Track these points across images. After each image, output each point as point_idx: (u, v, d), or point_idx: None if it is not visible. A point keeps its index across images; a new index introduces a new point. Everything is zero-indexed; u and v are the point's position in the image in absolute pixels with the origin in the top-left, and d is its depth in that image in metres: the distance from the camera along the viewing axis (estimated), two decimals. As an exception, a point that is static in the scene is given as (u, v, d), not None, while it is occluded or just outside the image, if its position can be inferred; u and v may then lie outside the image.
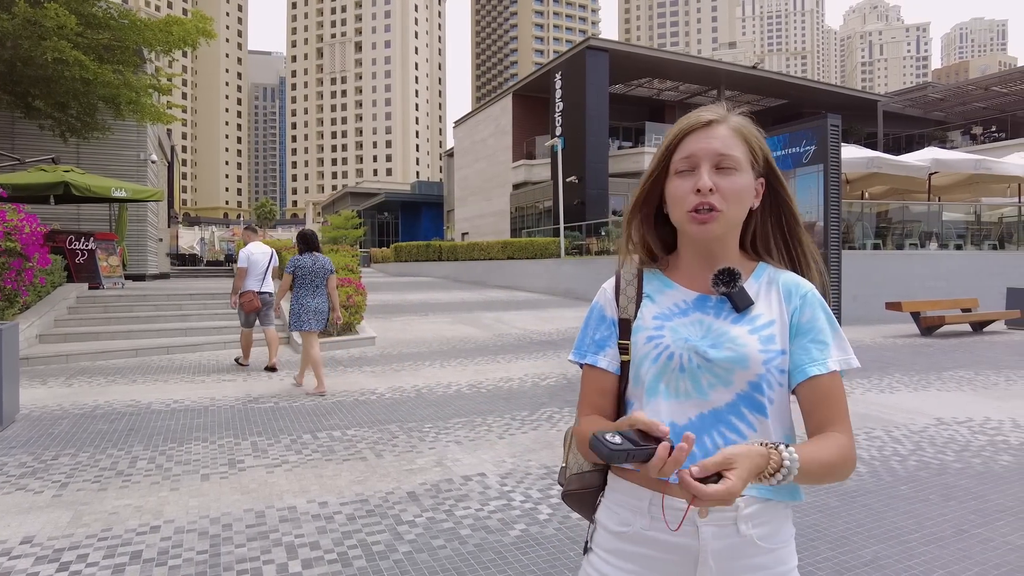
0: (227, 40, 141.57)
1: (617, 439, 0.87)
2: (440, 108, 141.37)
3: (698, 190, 1.06)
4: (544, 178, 31.04)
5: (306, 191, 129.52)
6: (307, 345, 6.42)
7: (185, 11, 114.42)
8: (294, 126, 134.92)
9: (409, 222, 56.71)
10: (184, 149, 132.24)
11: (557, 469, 3.81)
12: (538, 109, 33.00)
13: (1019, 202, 17.41)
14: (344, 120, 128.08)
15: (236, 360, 7.94)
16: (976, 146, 28.53)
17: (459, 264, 26.78)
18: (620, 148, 32.43)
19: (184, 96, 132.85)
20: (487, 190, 37.47)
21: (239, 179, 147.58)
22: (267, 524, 3.22)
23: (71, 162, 14.71)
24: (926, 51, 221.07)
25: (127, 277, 15.24)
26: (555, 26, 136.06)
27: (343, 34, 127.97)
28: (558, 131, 28.43)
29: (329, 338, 9.55)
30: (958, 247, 15.44)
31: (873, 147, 28.62)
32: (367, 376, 7.28)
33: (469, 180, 40.31)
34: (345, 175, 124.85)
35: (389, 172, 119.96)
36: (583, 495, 1.18)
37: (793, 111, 33.98)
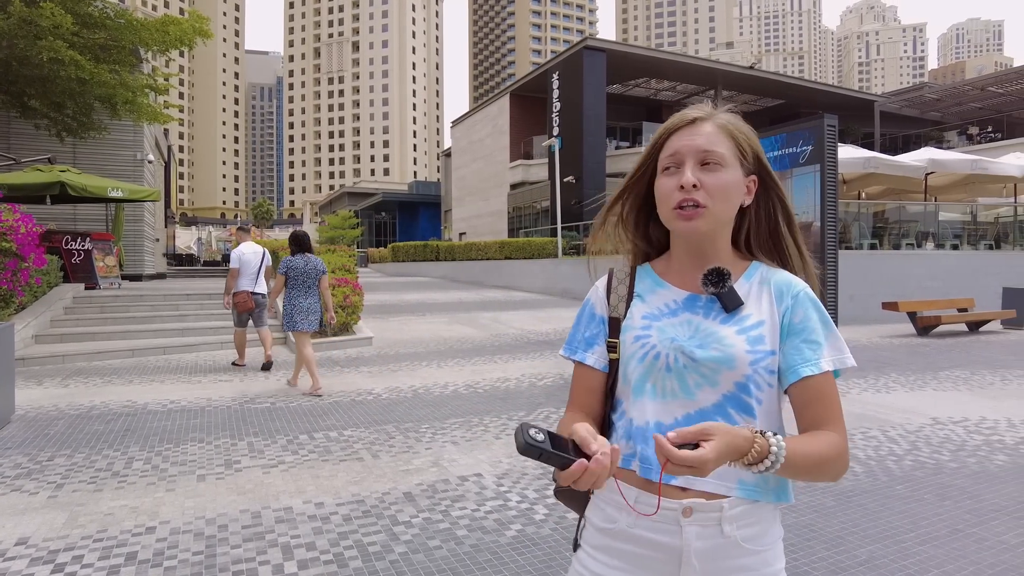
0: (224, 40, 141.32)
1: (540, 437, 0.85)
2: (437, 108, 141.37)
3: (682, 186, 1.06)
4: (541, 178, 31.04)
5: (303, 191, 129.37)
6: (300, 345, 6.43)
7: (182, 11, 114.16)
8: (291, 126, 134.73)
9: (406, 222, 56.70)
10: (181, 149, 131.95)
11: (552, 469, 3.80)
12: (535, 109, 33.00)
13: (1015, 202, 17.45)
14: (341, 120, 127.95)
15: (233, 363, 7.94)
16: (972, 146, 28.59)
17: (456, 264, 26.77)
18: (617, 148, 32.45)
19: (181, 96, 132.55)
20: (484, 190, 37.47)
21: (236, 179, 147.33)
22: (263, 525, 3.22)
23: (67, 162, 14.66)
24: (923, 51, 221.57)
25: (124, 277, 15.20)
26: (552, 26, 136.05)
27: (340, 34, 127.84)
28: (555, 131, 28.43)
29: (326, 338, 9.54)
30: (954, 247, 15.49)
31: (870, 147, 28.66)
32: (364, 376, 7.28)
33: (466, 180, 40.30)
34: (342, 175, 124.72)
35: (386, 172, 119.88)
36: (575, 492, 1.18)
37: (790, 111, 34.07)
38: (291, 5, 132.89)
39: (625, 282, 1.20)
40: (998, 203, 17.94)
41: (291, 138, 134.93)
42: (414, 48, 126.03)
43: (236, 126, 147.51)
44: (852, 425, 5.07)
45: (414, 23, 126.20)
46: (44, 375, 7.26)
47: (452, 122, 42.93)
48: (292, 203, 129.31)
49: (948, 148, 27.75)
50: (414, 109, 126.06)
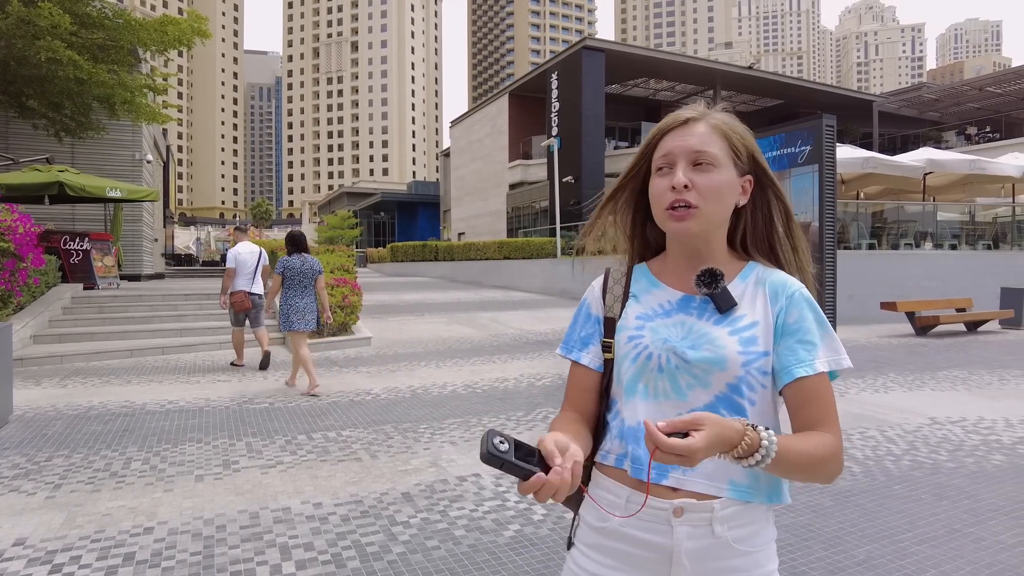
0: (223, 40, 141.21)
1: (505, 447, 0.85)
2: (436, 108, 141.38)
3: (673, 187, 1.06)
4: (540, 178, 31.05)
5: (302, 191, 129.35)
6: (296, 345, 6.45)
7: (180, 11, 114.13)
8: (290, 126, 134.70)
9: (405, 222, 56.69)
10: (180, 149, 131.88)
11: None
12: (534, 109, 33.02)
13: (1013, 202, 17.48)
14: (340, 120, 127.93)
15: (232, 363, 7.94)
16: (971, 146, 28.61)
17: (455, 264, 26.77)
18: (616, 148, 32.48)
19: (180, 96, 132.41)
20: (483, 190, 37.47)
21: (235, 179, 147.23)
22: (261, 525, 3.21)
23: (66, 162, 14.65)
24: (921, 51, 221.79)
25: (122, 277, 15.20)
26: (551, 26, 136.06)
27: (339, 34, 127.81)
28: (554, 131, 28.44)
29: (324, 338, 9.54)
30: (953, 247, 15.51)
31: (868, 147, 28.68)
32: (363, 376, 7.28)
33: (465, 180, 40.31)
34: (341, 175, 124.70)
35: (385, 172, 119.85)
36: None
37: (789, 111, 34.10)
38: (290, 5, 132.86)
39: (621, 282, 1.20)
40: (996, 203, 17.97)
41: (290, 138, 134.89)
42: (413, 48, 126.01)
43: (235, 126, 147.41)
44: (850, 425, 5.08)
45: (413, 23, 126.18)
46: (42, 375, 7.25)
47: (451, 122, 42.94)
48: (291, 203, 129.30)
49: (946, 148, 27.78)
50: (413, 109, 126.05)
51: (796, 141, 10.77)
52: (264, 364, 7.65)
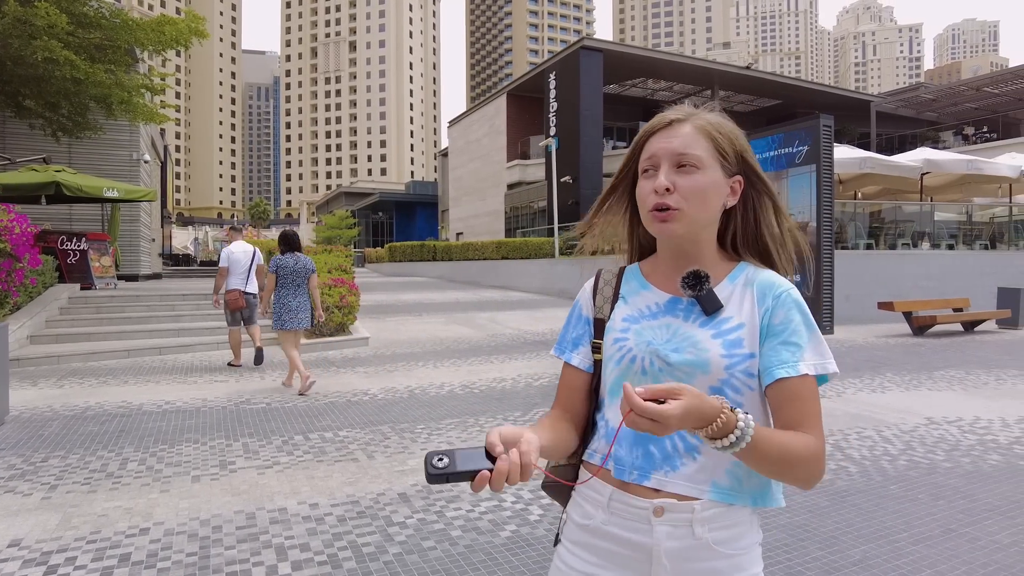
0: (221, 39, 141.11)
1: (443, 463, 0.87)
2: (435, 108, 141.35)
3: (655, 190, 1.06)
4: (538, 178, 31.05)
5: (300, 191, 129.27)
6: (284, 344, 6.52)
7: (178, 10, 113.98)
8: (288, 126, 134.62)
9: (404, 222, 56.68)
10: (178, 149, 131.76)
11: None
12: (532, 109, 33.02)
13: (1010, 202, 17.51)
14: (338, 120, 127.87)
15: (229, 364, 7.93)
16: (968, 146, 28.67)
17: (454, 264, 26.77)
18: (614, 148, 32.47)
19: (178, 95, 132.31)
20: (482, 190, 37.47)
21: (233, 179, 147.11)
22: (257, 526, 3.21)
23: (63, 162, 14.63)
24: (919, 52, 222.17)
25: (120, 277, 15.17)
26: (550, 26, 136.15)
27: (337, 33, 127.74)
28: (552, 131, 28.45)
29: (322, 338, 9.54)
30: (950, 247, 15.54)
31: (866, 147, 28.71)
32: (360, 377, 7.27)
33: (463, 180, 40.30)
34: (339, 175, 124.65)
35: (383, 172, 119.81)
36: (560, 485, 1.19)
37: (787, 111, 34.08)
38: (288, 5, 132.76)
39: (612, 283, 1.20)
40: (993, 203, 18.00)
41: (288, 138, 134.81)
42: (411, 48, 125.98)
43: (233, 126, 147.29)
44: (847, 425, 5.08)
45: (411, 23, 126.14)
46: (39, 376, 7.24)
47: (449, 122, 42.93)
48: (289, 203, 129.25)
49: (944, 148, 27.82)
50: (411, 109, 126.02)
51: (794, 141, 10.79)
52: (258, 359, 7.72)
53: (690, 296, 1.08)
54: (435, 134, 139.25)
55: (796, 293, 1.07)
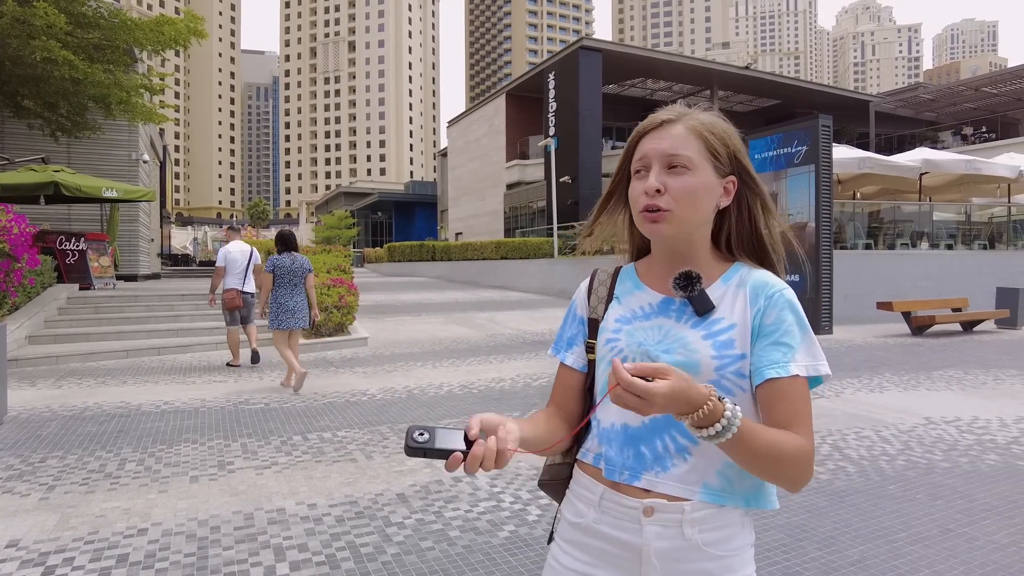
0: (220, 39, 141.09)
1: (424, 437, 0.90)
2: (434, 108, 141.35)
3: (645, 191, 1.06)
4: (538, 178, 31.05)
5: (299, 191, 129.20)
6: (278, 344, 6.55)
7: (177, 10, 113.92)
8: (287, 125, 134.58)
9: (403, 222, 56.67)
10: (177, 149, 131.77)
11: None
12: (532, 109, 33.01)
13: (1009, 202, 17.53)
14: (337, 120, 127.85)
15: (228, 364, 7.93)
16: (967, 147, 28.69)
17: (453, 264, 26.77)
18: (613, 148, 32.45)
19: (177, 95, 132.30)
20: (481, 190, 37.47)
21: (232, 179, 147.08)
22: (255, 526, 3.21)
23: (62, 162, 14.62)
24: (918, 52, 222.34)
25: (118, 277, 15.16)
26: (549, 26, 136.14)
27: (336, 33, 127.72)
28: (551, 131, 28.45)
29: (321, 339, 9.54)
30: (949, 247, 15.55)
31: (865, 147, 28.75)
32: (358, 377, 7.27)
33: (463, 180, 40.29)
34: (339, 175, 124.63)
35: (383, 172, 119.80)
36: (556, 485, 1.20)
37: (786, 111, 34.11)
38: (287, 5, 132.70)
39: (606, 283, 1.20)
40: (992, 203, 18.01)
41: (287, 138, 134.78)
42: (410, 48, 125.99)
43: (232, 126, 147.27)
44: (845, 425, 5.08)
45: (410, 23, 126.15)
46: (37, 376, 7.23)
47: (448, 122, 42.92)
48: (288, 203, 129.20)
49: (943, 148, 27.85)
50: (410, 109, 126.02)
51: (793, 141, 10.80)
52: (254, 359, 7.79)
53: (681, 297, 1.07)
54: (434, 134, 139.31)
55: (790, 293, 1.06)
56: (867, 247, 14.45)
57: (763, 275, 1.09)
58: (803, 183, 10.59)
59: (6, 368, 5.31)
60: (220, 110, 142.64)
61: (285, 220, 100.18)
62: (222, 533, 3.12)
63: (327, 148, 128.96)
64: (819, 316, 10.32)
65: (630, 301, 1.15)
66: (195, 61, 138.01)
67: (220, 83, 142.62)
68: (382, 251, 39.08)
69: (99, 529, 3.17)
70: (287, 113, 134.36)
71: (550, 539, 1.18)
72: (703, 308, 1.06)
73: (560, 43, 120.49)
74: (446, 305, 15.75)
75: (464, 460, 0.90)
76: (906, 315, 10.69)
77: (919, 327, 10.54)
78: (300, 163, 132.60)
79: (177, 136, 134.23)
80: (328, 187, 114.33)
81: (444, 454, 0.89)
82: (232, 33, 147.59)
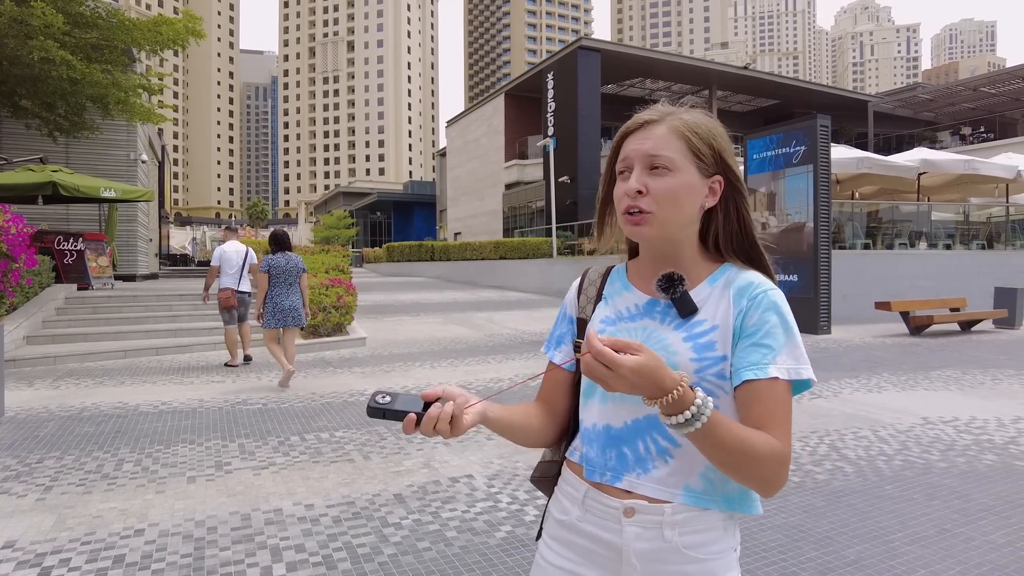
0: (219, 39, 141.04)
1: (386, 399, 0.93)
2: (433, 108, 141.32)
3: (626, 193, 1.05)
4: (536, 178, 31.06)
5: (298, 191, 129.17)
6: (268, 341, 6.66)
7: (176, 10, 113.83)
8: (286, 125, 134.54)
9: (402, 222, 56.66)
10: (176, 148, 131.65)
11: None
12: (531, 109, 33.01)
13: (1007, 202, 17.54)
14: (336, 120, 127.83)
15: (226, 364, 7.93)
16: (965, 146, 28.72)
17: (451, 264, 26.78)
18: (612, 148, 32.49)
19: (175, 95, 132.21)
20: (480, 190, 37.47)
21: (231, 179, 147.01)
22: (252, 527, 3.21)
23: (60, 162, 14.61)
24: (916, 52, 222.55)
25: (117, 278, 15.15)
26: (548, 26, 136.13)
27: (335, 33, 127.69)
28: (550, 131, 28.45)
29: (319, 339, 9.53)
30: (947, 247, 15.56)
31: (864, 147, 28.78)
32: (357, 377, 7.27)
33: (462, 180, 40.29)
34: (337, 175, 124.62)
35: (382, 172, 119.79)
36: (546, 482, 1.21)
37: (785, 111, 34.13)
38: (286, 4, 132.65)
39: (596, 283, 1.20)
40: (990, 203, 18.03)
41: (286, 138, 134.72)
42: (409, 48, 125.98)
43: (231, 126, 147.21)
44: (843, 425, 5.09)
45: (409, 23, 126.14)
46: (35, 376, 7.22)
47: (447, 122, 42.91)
48: (287, 203, 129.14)
49: (941, 148, 27.88)
50: (409, 109, 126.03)
51: (791, 141, 10.81)
52: (245, 361, 8.04)
53: (664, 299, 1.07)
54: (433, 134, 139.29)
55: (776, 294, 1.04)
56: (865, 247, 14.46)
57: (750, 276, 1.08)
58: (801, 183, 10.60)
59: (4, 368, 5.30)
60: (219, 110, 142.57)
61: (284, 220, 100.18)
62: (219, 534, 3.12)
63: (326, 148, 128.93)
64: (817, 316, 10.33)
65: (617, 302, 1.15)
66: (194, 61, 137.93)
67: (219, 83, 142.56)
68: (381, 251, 39.08)
69: (96, 530, 3.16)
70: (286, 113, 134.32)
71: (538, 535, 1.19)
72: (686, 310, 1.05)
73: (559, 43, 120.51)
74: (445, 305, 15.75)
75: (418, 423, 0.92)
76: (904, 315, 10.70)
77: (917, 327, 10.55)
78: (299, 163, 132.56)
79: (176, 136, 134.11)
80: (327, 187, 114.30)
81: (401, 416, 0.92)
82: (231, 33, 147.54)
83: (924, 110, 34.86)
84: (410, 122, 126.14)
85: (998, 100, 30.93)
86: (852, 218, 15.00)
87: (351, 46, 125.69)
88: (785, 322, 1.02)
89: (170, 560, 2.85)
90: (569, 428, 1.19)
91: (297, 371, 7.23)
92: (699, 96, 33.76)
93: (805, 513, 3.35)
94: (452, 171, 41.93)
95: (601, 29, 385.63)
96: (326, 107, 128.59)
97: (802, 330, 11.37)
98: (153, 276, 20.85)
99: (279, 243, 6.76)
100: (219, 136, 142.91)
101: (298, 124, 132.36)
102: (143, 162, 18.20)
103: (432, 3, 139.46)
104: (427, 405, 0.93)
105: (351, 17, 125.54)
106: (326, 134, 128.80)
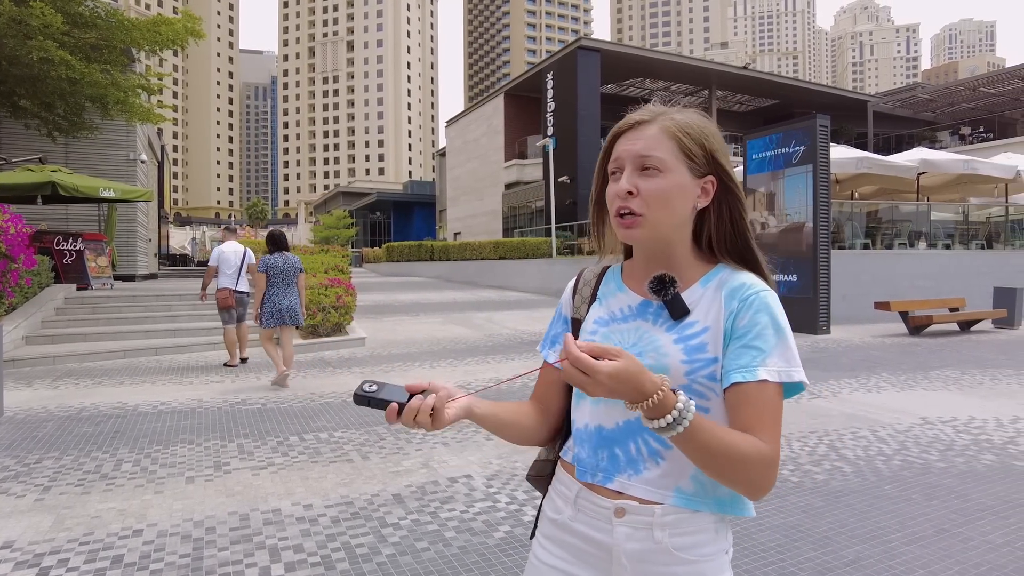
0: (218, 39, 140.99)
1: (373, 388, 0.94)
2: (432, 108, 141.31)
3: (617, 194, 1.05)
4: (536, 178, 31.07)
5: (298, 191, 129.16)
6: (264, 341, 6.67)
7: (175, 10, 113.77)
8: (286, 125, 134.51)
9: (401, 222, 56.68)
10: (175, 148, 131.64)
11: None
12: (530, 109, 33.02)
13: (1006, 202, 17.55)
14: (336, 119, 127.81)
15: (225, 364, 7.94)
16: (964, 146, 28.74)
17: (451, 264, 26.78)
18: (612, 148, 32.48)
19: (175, 95, 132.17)
20: (479, 190, 37.47)
21: (231, 179, 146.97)
22: (251, 527, 3.21)
23: (59, 162, 14.61)
24: (916, 52, 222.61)
25: (116, 278, 15.14)
26: (547, 26, 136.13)
27: (335, 33, 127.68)
28: (550, 131, 28.46)
29: (318, 339, 9.53)
30: (946, 247, 15.57)
31: (863, 147, 28.79)
32: (356, 377, 7.26)
33: (461, 180, 40.29)
34: (337, 175, 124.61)
35: (381, 172, 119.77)
36: (541, 480, 1.21)
37: (784, 111, 34.15)
38: (285, 4, 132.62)
39: (591, 283, 1.20)
40: (990, 203, 18.03)
41: (285, 138, 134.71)
42: (409, 48, 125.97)
43: (230, 125, 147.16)
44: (842, 425, 5.08)
45: (409, 22, 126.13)
46: (34, 376, 7.22)
47: (447, 122, 42.92)
48: (287, 203, 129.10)
49: (941, 148, 27.89)
50: (409, 109, 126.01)
51: (791, 141, 10.81)
52: (242, 360, 8.07)
53: (656, 301, 1.07)
54: (433, 134, 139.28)
55: (767, 296, 1.03)
56: (865, 247, 14.47)
57: (743, 277, 1.06)
58: (801, 183, 10.60)
59: (3, 368, 5.30)
60: (218, 110, 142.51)
61: (284, 220, 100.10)
62: (217, 534, 3.12)
63: (325, 148, 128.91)
64: (817, 316, 10.33)
65: (611, 303, 1.15)
66: (193, 61, 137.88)
67: (218, 83, 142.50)
68: (380, 251, 39.08)
69: (94, 530, 3.16)
70: (285, 113, 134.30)
71: (532, 534, 1.18)
72: (678, 312, 1.05)
73: (559, 43, 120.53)
74: (444, 305, 15.75)
75: (400, 413, 0.93)
76: (903, 315, 10.70)
77: (916, 327, 10.55)
78: (299, 163, 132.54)
79: (175, 136, 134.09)
80: (326, 187, 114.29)
81: (385, 405, 0.93)
82: (230, 33, 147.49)
83: (924, 110, 34.88)
84: (410, 122, 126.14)
85: (997, 100, 30.95)
86: (851, 218, 15.01)
87: (351, 46, 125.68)
88: (776, 323, 1.00)
89: (168, 560, 2.85)
90: (563, 427, 1.19)
91: (295, 371, 7.27)
92: (699, 96, 33.77)
93: (804, 513, 3.35)
94: (452, 171, 41.94)
95: (601, 29, 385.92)
96: (326, 107, 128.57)
97: (801, 330, 11.12)
98: (152, 276, 20.84)
99: (276, 243, 6.79)
100: (219, 136, 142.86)
101: (298, 124, 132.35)
102: (142, 162, 18.19)
103: (432, 3, 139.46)
104: (412, 397, 0.94)
105: (351, 17, 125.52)
106: (326, 134, 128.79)
